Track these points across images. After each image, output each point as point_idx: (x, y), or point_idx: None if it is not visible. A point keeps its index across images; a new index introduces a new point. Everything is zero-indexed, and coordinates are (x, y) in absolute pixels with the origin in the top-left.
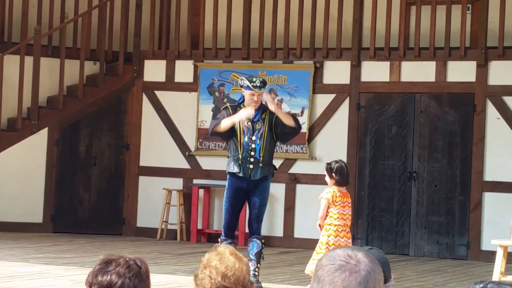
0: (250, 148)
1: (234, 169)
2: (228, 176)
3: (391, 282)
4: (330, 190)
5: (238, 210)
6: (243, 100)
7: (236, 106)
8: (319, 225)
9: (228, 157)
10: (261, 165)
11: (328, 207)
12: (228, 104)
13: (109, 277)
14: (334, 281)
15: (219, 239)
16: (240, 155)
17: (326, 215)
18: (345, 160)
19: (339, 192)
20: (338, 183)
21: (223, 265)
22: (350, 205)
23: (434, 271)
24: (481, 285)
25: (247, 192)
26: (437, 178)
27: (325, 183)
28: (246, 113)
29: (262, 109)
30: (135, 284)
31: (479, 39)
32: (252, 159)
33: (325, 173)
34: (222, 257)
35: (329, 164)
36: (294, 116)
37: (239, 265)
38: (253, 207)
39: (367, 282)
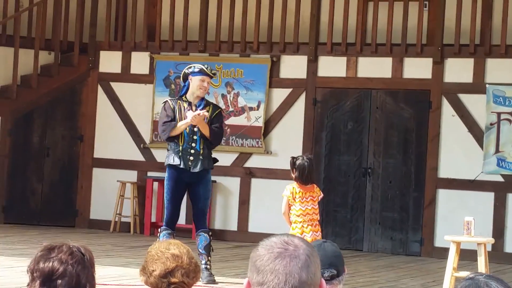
0: (191, 139)
1: (175, 161)
2: (167, 168)
3: (344, 275)
4: (289, 187)
5: (180, 201)
6: (186, 91)
7: (178, 99)
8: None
9: (168, 149)
10: (201, 157)
11: (289, 204)
12: (168, 99)
13: (51, 263)
14: (276, 269)
15: (159, 229)
16: (180, 147)
17: (289, 212)
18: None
19: (299, 188)
20: (297, 180)
21: (163, 263)
22: (314, 199)
23: (387, 267)
24: (471, 276)
25: (188, 184)
26: (391, 174)
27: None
28: (200, 117)
29: (205, 101)
30: (78, 271)
31: (436, 36)
32: (192, 151)
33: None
34: (162, 255)
35: (293, 158)
36: (217, 132)
37: (179, 252)
38: (198, 201)
39: (308, 266)
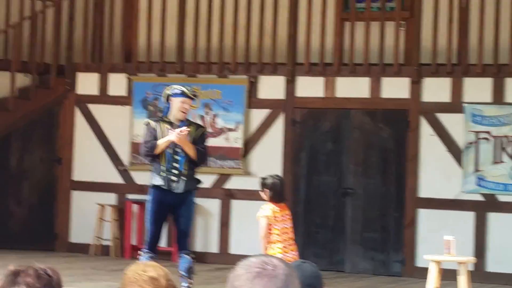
0: (174, 159)
1: (158, 181)
2: (151, 188)
3: None
4: (268, 207)
5: (162, 222)
6: (167, 112)
7: (159, 119)
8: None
9: (151, 170)
10: (184, 178)
11: (270, 225)
12: (149, 120)
13: None
14: None
15: (139, 252)
16: (163, 167)
17: (269, 233)
18: (281, 175)
19: (277, 207)
20: (272, 200)
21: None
22: (290, 217)
23: (369, 287)
24: None
25: (171, 206)
26: (371, 195)
27: (261, 199)
28: (183, 135)
29: (187, 121)
30: None
31: (413, 56)
32: (175, 171)
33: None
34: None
35: (263, 179)
36: (202, 152)
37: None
38: (180, 222)
39: (287, 285)
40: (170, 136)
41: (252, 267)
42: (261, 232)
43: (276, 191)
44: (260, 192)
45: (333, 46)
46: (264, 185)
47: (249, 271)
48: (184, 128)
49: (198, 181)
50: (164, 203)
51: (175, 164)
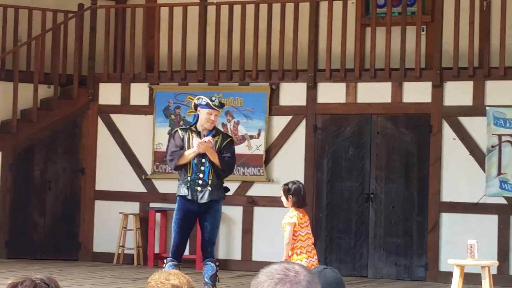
0: (199, 170)
1: (183, 191)
2: (178, 197)
3: None
4: (292, 214)
5: (187, 232)
6: (197, 121)
7: (188, 129)
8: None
9: (178, 180)
10: (209, 188)
11: (295, 231)
12: (178, 128)
13: None
14: None
15: (165, 260)
16: (189, 177)
17: (294, 240)
18: (302, 181)
19: (300, 213)
20: (295, 205)
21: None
22: (308, 222)
23: None
24: None
25: (197, 214)
26: (394, 199)
27: (283, 206)
28: (206, 144)
29: (215, 131)
30: None
31: (434, 60)
32: (200, 181)
33: (282, 194)
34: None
35: (286, 185)
36: (228, 161)
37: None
38: (205, 230)
39: None
40: (194, 147)
41: (274, 273)
42: (287, 239)
43: (299, 197)
44: (282, 198)
45: (354, 51)
46: (287, 190)
47: (271, 277)
48: (208, 137)
49: (226, 190)
50: (190, 212)
51: (200, 175)
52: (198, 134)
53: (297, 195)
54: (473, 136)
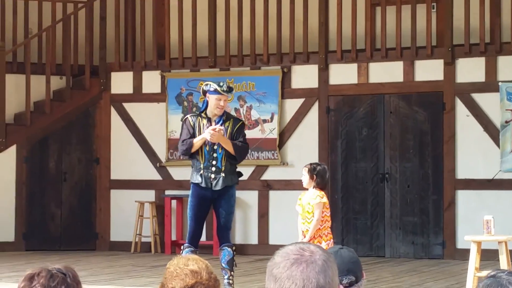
0: (211, 157)
1: (197, 179)
2: (191, 185)
3: (363, 281)
4: (322, 194)
5: (202, 218)
6: (206, 107)
7: (197, 115)
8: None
9: (191, 166)
10: (223, 174)
11: (322, 211)
12: (188, 115)
13: None
14: (293, 275)
15: (182, 247)
16: (202, 165)
17: (321, 221)
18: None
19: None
20: (319, 186)
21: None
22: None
23: (410, 271)
24: (492, 273)
25: (212, 200)
26: (409, 178)
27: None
28: (217, 133)
29: (225, 116)
30: None
31: (445, 37)
32: (214, 168)
33: (306, 173)
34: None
35: (312, 164)
36: (241, 146)
37: (199, 266)
38: (220, 216)
39: (325, 270)
40: (204, 134)
41: (290, 254)
42: (318, 219)
43: (324, 178)
44: (303, 177)
45: (364, 32)
46: (313, 170)
47: (287, 258)
48: (217, 126)
49: (240, 174)
50: (204, 198)
51: (213, 162)
52: (209, 120)
53: (322, 176)
54: (486, 112)
